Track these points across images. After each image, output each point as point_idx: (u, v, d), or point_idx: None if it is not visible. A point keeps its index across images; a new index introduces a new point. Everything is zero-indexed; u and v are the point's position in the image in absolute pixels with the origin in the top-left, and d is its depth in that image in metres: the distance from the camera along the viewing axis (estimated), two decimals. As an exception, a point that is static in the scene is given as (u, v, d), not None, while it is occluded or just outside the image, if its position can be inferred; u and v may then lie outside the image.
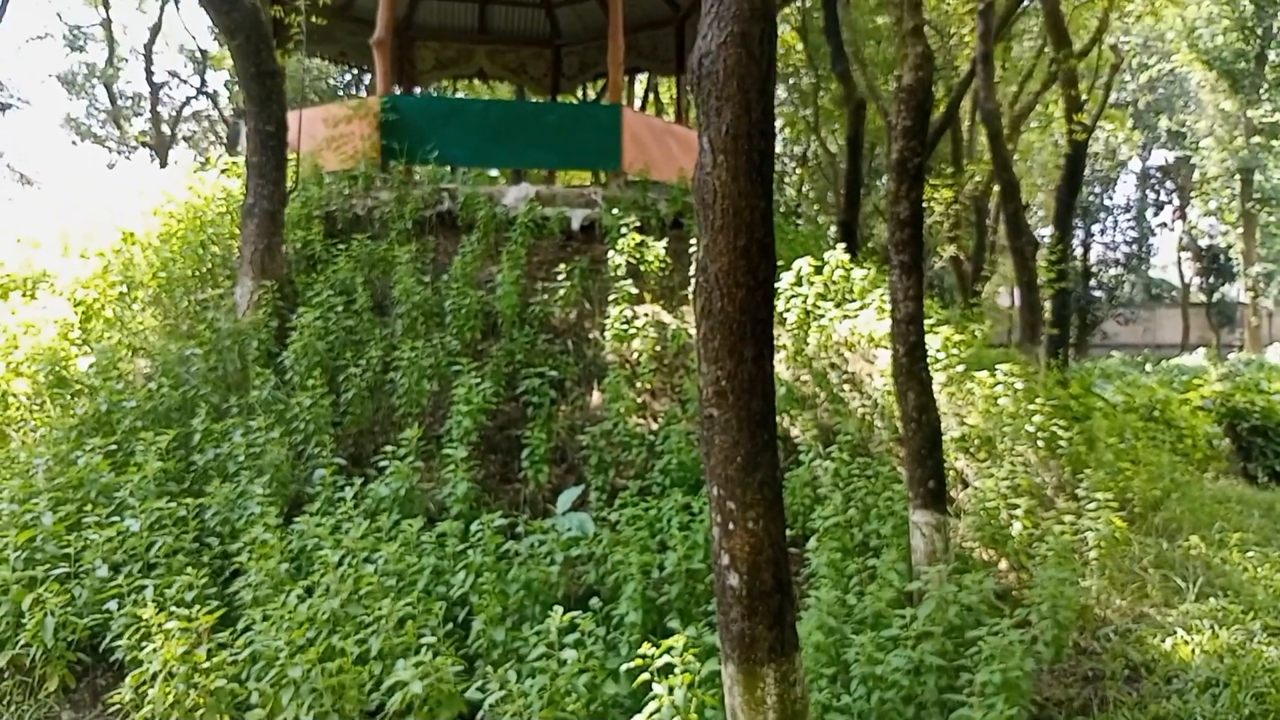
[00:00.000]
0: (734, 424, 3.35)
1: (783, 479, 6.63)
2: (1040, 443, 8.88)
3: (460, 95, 24.35)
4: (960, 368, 9.37)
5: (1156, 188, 48.94)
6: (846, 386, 9.07)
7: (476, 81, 21.52)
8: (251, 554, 5.36)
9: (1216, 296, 45.05)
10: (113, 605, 5.05)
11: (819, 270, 9.89)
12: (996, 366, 9.34)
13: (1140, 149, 44.37)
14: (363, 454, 7.32)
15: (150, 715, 4.38)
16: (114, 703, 4.68)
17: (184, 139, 38.10)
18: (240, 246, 8.76)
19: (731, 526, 3.35)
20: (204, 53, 34.41)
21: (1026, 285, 14.19)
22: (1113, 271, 48.33)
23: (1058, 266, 14.32)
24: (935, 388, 7.10)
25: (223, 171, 11.77)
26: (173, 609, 4.65)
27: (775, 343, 3.57)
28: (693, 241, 9.34)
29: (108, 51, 34.40)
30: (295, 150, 9.83)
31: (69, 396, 7.51)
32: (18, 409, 7.51)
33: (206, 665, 4.41)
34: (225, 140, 34.77)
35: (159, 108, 35.38)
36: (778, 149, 25.20)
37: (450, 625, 5.04)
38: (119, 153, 36.56)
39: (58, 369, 7.63)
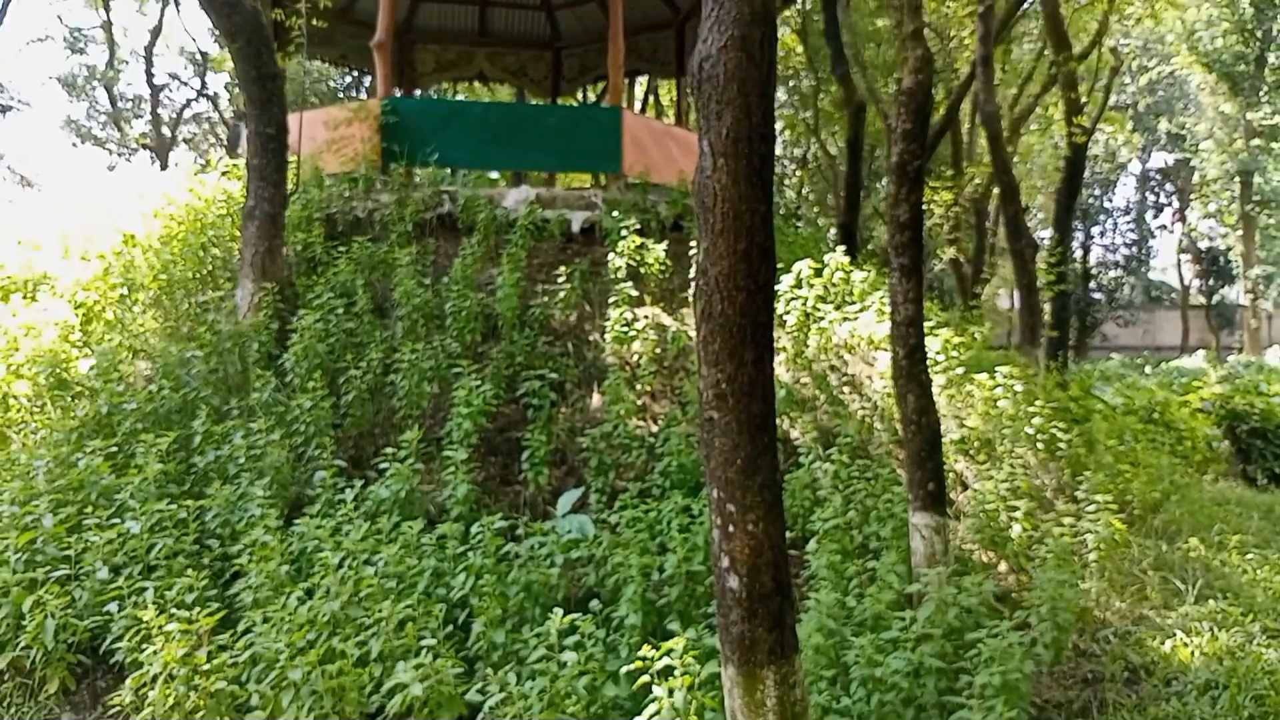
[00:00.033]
0: (734, 427, 3.36)
1: (783, 481, 6.64)
2: (1040, 445, 8.89)
3: (460, 98, 24.37)
4: (960, 370, 9.38)
5: (1156, 190, 49.01)
6: (846, 389, 9.08)
7: (477, 84, 21.54)
8: (252, 556, 5.36)
9: (1216, 299, 45.08)
10: (113, 607, 5.06)
11: (819, 273, 9.90)
12: (996, 369, 9.34)
13: (1140, 151, 44.44)
14: (363, 456, 7.33)
15: (150, 717, 4.38)
16: (114, 705, 4.69)
17: (184, 141, 38.15)
18: (241, 249, 8.77)
19: (731, 529, 3.35)
20: (204, 55, 34.48)
21: (1026, 288, 14.21)
22: (1112, 274, 48.39)
23: (1057, 269, 14.32)
24: (935, 390, 7.10)
25: (223, 174, 11.78)
26: (173, 611, 4.66)
27: (775, 345, 3.57)
28: (693, 244, 9.35)
29: (108, 54, 34.46)
30: (296, 153, 9.85)
31: (69, 398, 7.52)
32: (18, 411, 7.52)
33: (207, 667, 4.41)
34: (225, 142, 34.81)
35: (159, 110, 35.44)
36: (778, 151, 25.22)
37: (450, 627, 5.04)
38: (119, 155, 36.61)
39: (58, 371, 7.64)
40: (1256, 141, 32.29)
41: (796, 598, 5.08)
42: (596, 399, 8.21)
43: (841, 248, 11.22)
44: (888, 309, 6.30)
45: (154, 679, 4.38)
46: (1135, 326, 45.66)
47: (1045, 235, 32.68)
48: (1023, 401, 9.06)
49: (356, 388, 7.54)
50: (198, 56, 35.08)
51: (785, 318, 9.40)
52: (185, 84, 37.89)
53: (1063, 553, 6.23)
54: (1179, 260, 47.21)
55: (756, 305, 3.37)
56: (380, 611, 4.68)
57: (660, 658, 3.87)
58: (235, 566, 5.55)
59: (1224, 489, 11.38)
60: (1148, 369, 25.94)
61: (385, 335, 8.40)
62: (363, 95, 28.61)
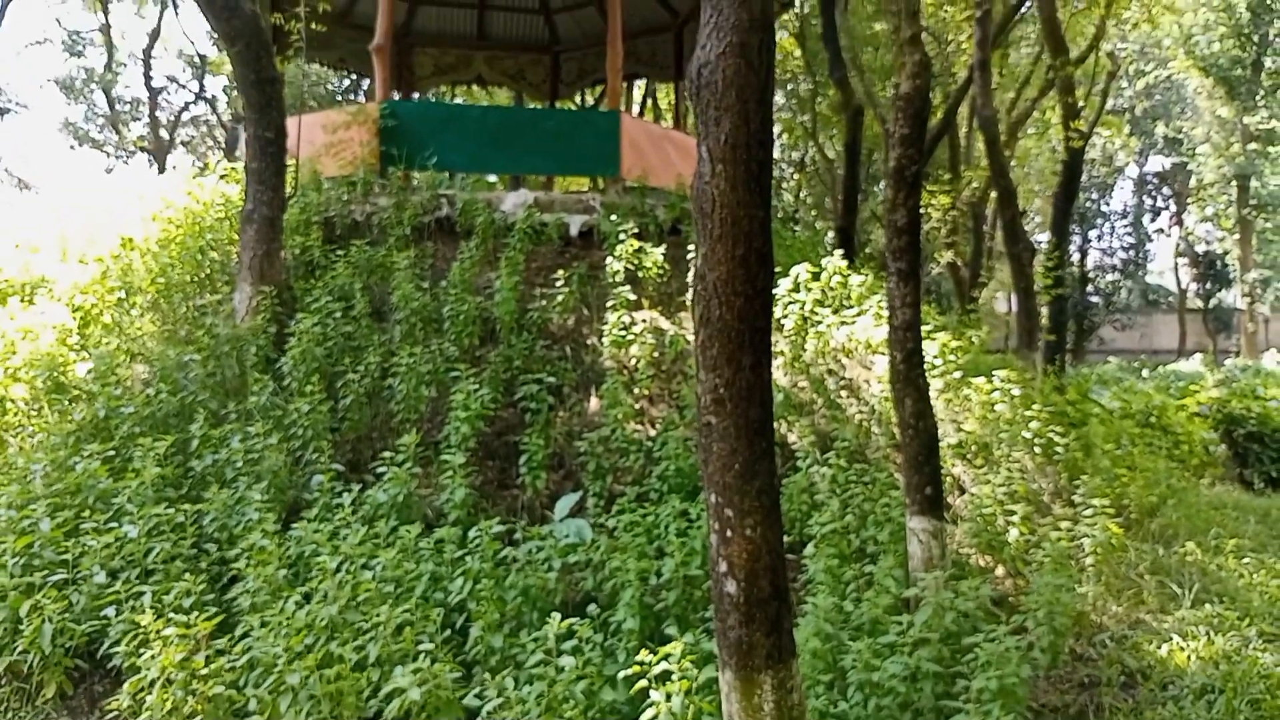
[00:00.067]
0: (732, 432, 3.37)
1: (780, 486, 6.64)
2: (1037, 449, 8.90)
3: (459, 101, 24.39)
4: (957, 374, 9.39)
5: (1153, 194, 49.12)
6: (844, 393, 9.09)
7: (475, 87, 21.56)
8: (249, 560, 5.36)
9: (1213, 302, 45.18)
10: (110, 611, 5.06)
11: (816, 276, 9.91)
12: (993, 373, 9.36)
13: (1137, 155, 44.55)
14: (361, 460, 7.33)
15: (148, 722, 4.38)
16: (112, 709, 4.68)
17: (182, 144, 38.17)
18: (239, 252, 8.77)
19: (729, 534, 3.36)
20: (203, 58, 34.51)
21: (1024, 291, 14.23)
22: (1110, 277, 48.50)
23: (1055, 273, 14.33)
24: (932, 394, 7.11)
25: (221, 177, 11.78)
26: (171, 615, 4.66)
27: (773, 349, 3.59)
28: (691, 248, 9.35)
29: (106, 56, 34.49)
30: (294, 156, 9.85)
31: (67, 402, 7.51)
32: (16, 414, 7.52)
33: (204, 672, 4.41)
34: (224, 145, 34.82)
35: (157, 113, 35.44)
36: (775, 154, 25.23)
37: (448, 632, 5.05)
38: (117, 158, 36.61)
39: (56, 374, 7.64)
40: (1253, 145, 32.38)
41: (794, 602, 5.08)
42: (594, 403, 8.21)
43: (839, 251, 11.24)
44: (885, 313, 6.32)
45: (152, 683, 4.38)
46: (1133, 330, 45.74)
47: (1043, 239, 32.77)
48: (1020, 405, 9.07)
49: (354, 391, 7.54)
50: (196, 59, 35.14)
51: (783, 322, 9.41)
52: (183, 87, 37.95)
53: (1060, 557, 6.24)
54: (1176, 264, 47.32)
55: (755, 310, 3.38)
56: (378, 616, 4.68)
57: (658, 662, 3.88)
58: (233, 570, 5.54)
59: (1221, 493, 11.40)
60: (1145, 373, 25.96)
61: (383, 339, 8.40)
62: (361, 98, 28.64)
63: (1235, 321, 41.63)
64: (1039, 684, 5.33)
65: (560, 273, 9.30)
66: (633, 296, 9.02)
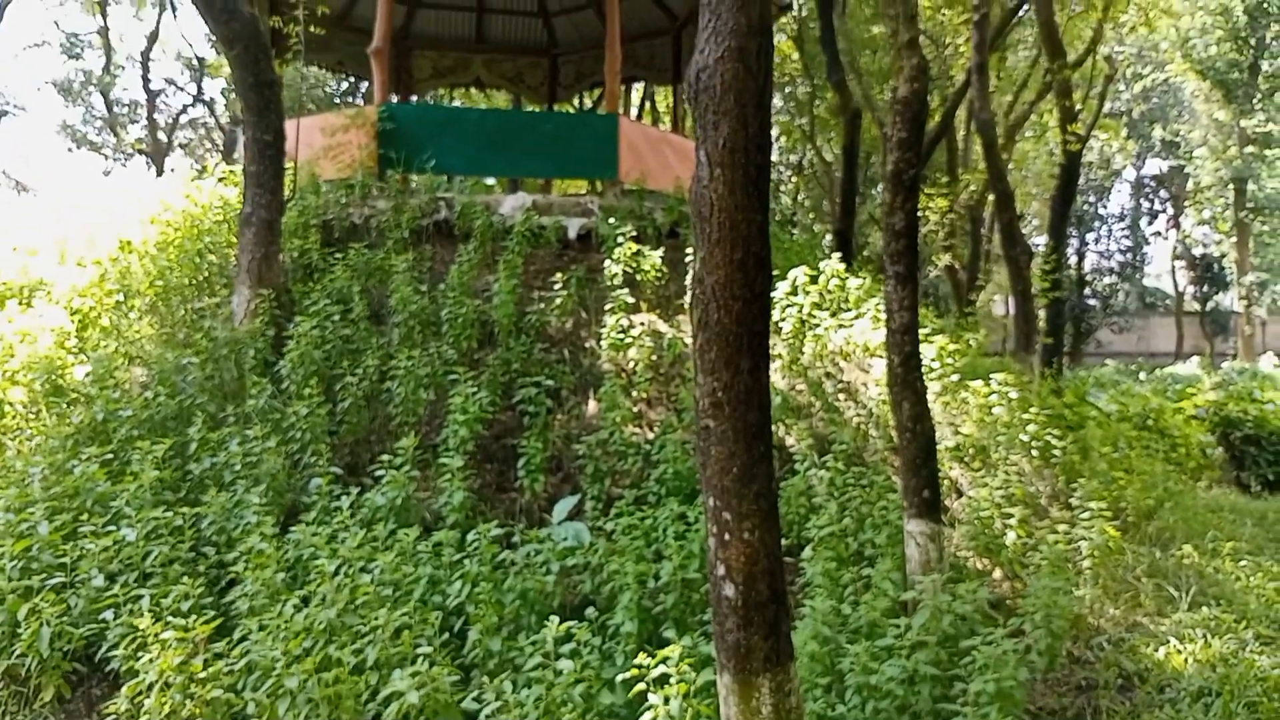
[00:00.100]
0: (730, 435, 3.38)
1: (778, 489, 6.65)
2: (1034, 452, 8.92)
3: (457, 104, 24.40)
4: (955, 377, 9.41)
5: (1151, 197, 49.19)
6: (842, 396, 9.10)
7: (473, 90, 21.56)
8: (248, 563, 5.36)
9: (1210, 305, 45.23)
10: (109, 615, 5.06)
11: (814, 280, 9.93)
12: (991, 376, 9.38)
13: (1134, 158, 44.61)
14: (359, 463, 7.33)
15: (146, 725, 4.38)
16: (109, 713, 4.68)
17: (180, 146, 38.17)
18: (237, 255, 8.77)
19: (727, 537, 3.37)
20: (201, 60, 34.52)
21: (1021, 294, 14.24)
22: (1107, 280, 48.53)
23: (1052, 276, 14.36)
24: (930, 397, 7.12)
25: (220, 180, 11.79)
26: (169, 619, 4.66)
27: (771, 352, 3.60)
28: (689, 251, 9.37)
29: (104, 59, 34.48)
30: (293, 159, 9.86)
31: (65, 405, 7.51)
32: (14, 418, 7.51)
33: (203, 675, 4.41)
34: (222, 148, 34.82)
35: (155, 115, 35.42)
36: (774, 157, 25.25)
37: (446, 635, 5.04)
38: (115, 160, 36.60)
39: (54, 378, 7.64)
40: (1250, 149, 32.46)
41: (792, 605, 5.09)
42: (593, 406, 8.22)
43: (837, 255, 11.25)
44: (883, 316, 6.34)
45: (150, 687, 4.38)
46: (1130, 333, 45.76)
47: (1040, 242, 32.83)
48: (1017, 408, 9.09)
49: (353, 395, 7.54)
50: (194, 62, 35.16)
51: (781, 325, 9.42)
52: (181, 89, 37.97)
53: (1057, 560, 6.26)
54: (1173, 267, 47.38)
55: (753, 314, 3.39)
56: (376, 619, 4.68)
57: (656, 665, 3.88)
58: (231, 574, 5.54)
59: (1218, 496, 11.43)
60: (1142, 375, 26.00)
61: (382, 342, 8.40)
62: (359, 101, 28.65)
63: (1232, 324, 41.71)
64: (1036, 687, 5.34)
65: (558, 276, 9.30)
66: (631, 299, 9.03)
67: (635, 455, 7.45)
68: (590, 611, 5.10)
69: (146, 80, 34.39)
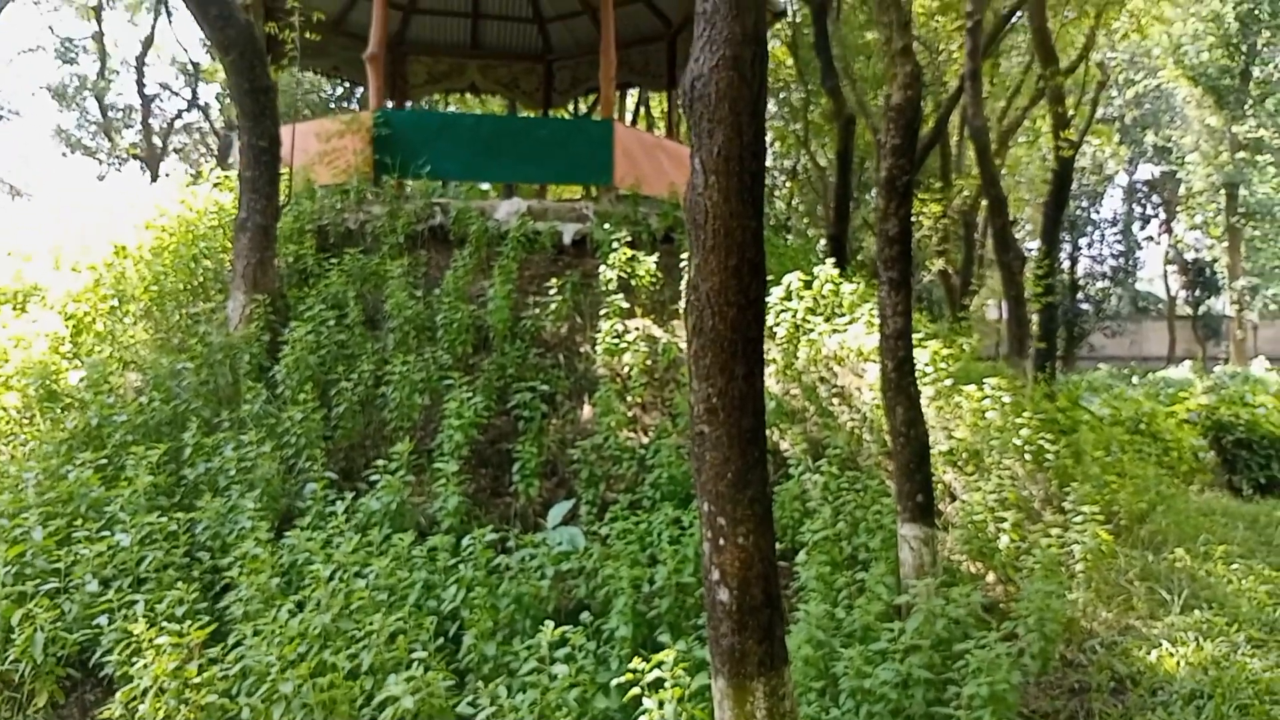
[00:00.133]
0: (725, 441, 3.39)
1: (772, 493, 6.67)
2: (1027, 456, 8.95)
3: (452, 109, 24.43)
4: (948, 381, 9.44)
5: (1143, 202, 49.31)
6: (836, 400, 9.13)
7: (468, 95, 21.59)
8: (242, 569, 5.36)
9: (1202, 310, 45.35)
10: (103, 620, 5.04)
11: (809, 285, 9.96)
12: (984, 380, 9.41)
13: (1127, 163, 44.74)
14: (354, 468, 7.33)
15: (141, 730, 4.38)
16: (104, 718, 4.67)
17: (175, 151, 38.11)
18: (232, 260, 8.77)
19: (722, 542, 3.39)
20: (196, 65, 34.45)
21: (1014, 299, 14.30)
22: (1100, 284, 48.62)
23: (1045, 280, 14.42)
24: (923, 401, 7.15)
25: (215, 185, 11.78)
26: (163, 624, 4.65)
27: (765, 357, 3.62)
28: (683, 256, 9.39)
29: (99, 64, 34.41)
30: (288, 164, 9.87)
31: (59, 410, 7.50)
32: (7, 423, 7.50)
33: (197, 681, 4.41)
34: (216, 153, 34.76)
35: (150, 120, 35.36)
36: (768, 163, 25.26)
37: (441, 640, 5.05)
38: (110, 165, 36.53)
39: (48, 383, 7.62)
40: (1242, 154, 32.58)
41: (786, 609, 5.11)
42: (587, 411, 8.23)
43: (831, 260, 11.29)
44: (877, 321, 6.37)
45: (144, 692, 4.37)
46: (1122, 337, 45.85)
47: (1033, 246, 32.83)
48: (1011, 413, 9.13)
49: (348, 400, 7.55)
50: (189, 67, 35.07)
51: (775, 330, 9.45)
52: (176, 94, 37.94)
53: (1050, 563, 6.29)
54: (1165, 271, 47.53)
55: (747, 321, 3.41)
56: (371, 624, 4.69)
57: (651, 670, 3.90)
58: (226, 579, 5.54)
59: (1209, 499, 11.48)
60: (1135, 379, 26.08)
61: (377, 347, 8.41)
62: (354, 106, 28.65)
63: (1224, 328, 41.83)
64: (1029, 690, 5.36)
65: (553, 281, 9.32)
66: (626, 305, 9.05)
67: (630, 460, 7.46)
68: (585, 616, 5.12)
69: (141, 85, 34.38)
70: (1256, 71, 32.53)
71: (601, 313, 8.95)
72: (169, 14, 33.01)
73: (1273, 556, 8.46)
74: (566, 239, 10.60)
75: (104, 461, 6.54)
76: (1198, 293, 45.07)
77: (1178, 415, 14.17)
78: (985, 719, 4.17)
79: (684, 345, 7.72)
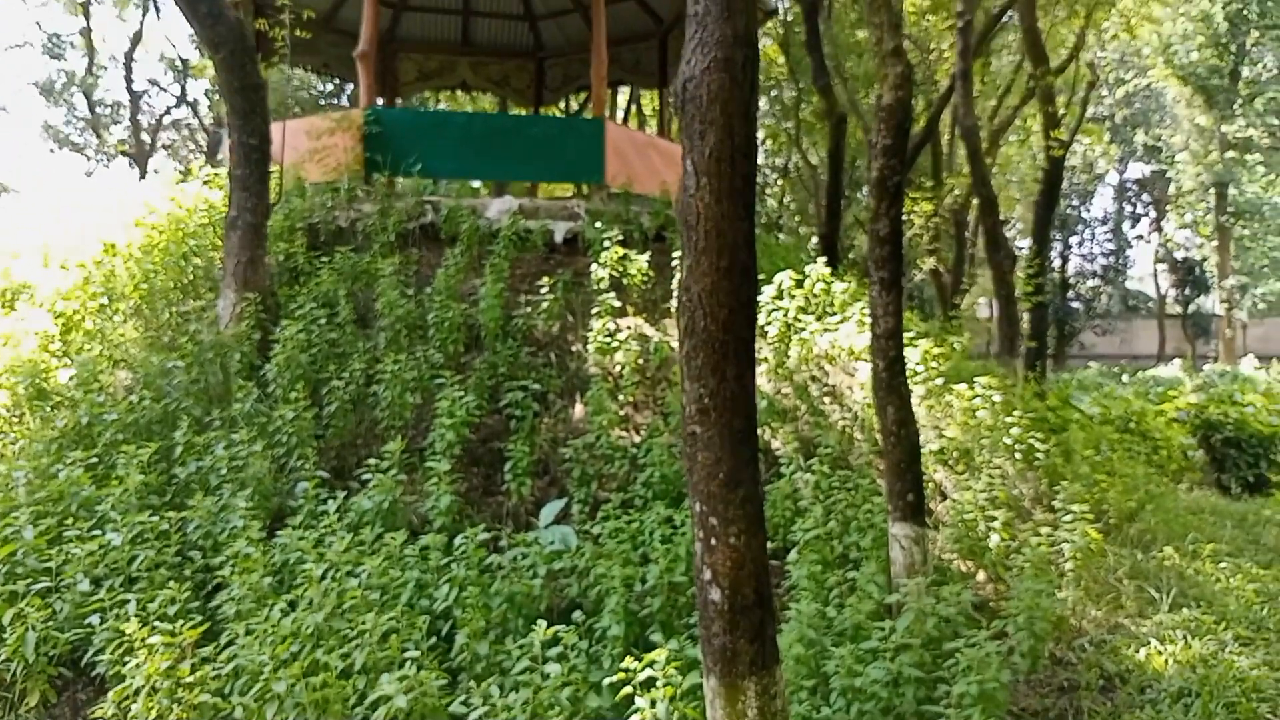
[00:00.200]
0: (716, 441, 3.41)
1: (764, 493, 6.69)
2: (1018, 455, 8.98)
3: (443, 107, 24.37)
4: (939, 380, 9.47)
5: (1133, 200, 49.54)
6: (827, 399, 9.16)
7: (459, 93, 21.56)
8: (234, 568, 5.36)
9: (1192, 308, 45.60)
10: (94, 620, 5.04)
11: (800, 284, 9.98)
12: (975, 379, 9.44)
13: (1117, 162, 44.96)
14: (345, 467, 7.33)
15: (133, 730, 4.38)
16: (96, 717, 4.67)
17: (164, 148, 37.95)
18: (223, 258, 8.75)
19: (714, 542, 3.40)
20: (185, 61, 34.34)
21: (1005, 298, 14.35)
22: (1090, 283, 48.85)
23: (1035, 279, 14.47)
24: (914, 400, 7.18)
25: (205, 183, 11.75)
26: (155, 623, 4.65)
27: (757, 356, 3.64)
28: (675, 254, 9.41)
29: (87, 59, 34.27)
30: (278, 162, 9.84)
31: (49, 409, 7.48)
32: (-3, 421, 7.48)
33: (190, 680, 4.41)
34: (205, 149, 34.63)
35: (139, 116, 35.22)
36: (759, 161, 25.33)
37: (434, 639, 5.06)
38: (97, 161, 36.39)
39: (38, 381, 7.60)
40: (1231, 153, 32.78)
41: (777, 608, 5.13)
42: (579, 409, 8.24)
43: (822, 258, 11.31)
44: (868, 320, 6.40)
45: (136, 692, 4.37)
46: (1113, 335, 46.10)
47: (1024, 245, 33.06)
48: (1001, 411, 9.16)
49: (339, 398, 7.54)
50: (178, 63, 34.96)
51: (767, 328, 9.47)
52: (165, 90, 37.78)
53: (1040, 562, 6.32)
54: (1155, 270, 47.78)
55: (739, 322, 3.43)
56: (364, 623, 4.69)
57: (643, 669, 3.91)
58: (218, 578, 5.53)
59: (1198, 498, 11.55)
60: (1125, 378, 26.22)
61: (368, 346, 8.40)
62: (345, 103, 28.57)
63: (1213, 327, 42.07)
64: (1019, 688, 5.39)
65: (545, 279, 9.32)
66: (617, 303, 9.06)
67: (622, 459, 7.47)
68: (577, 615, 5.13)
69: (129, 81, 34.22)
70: (1245, 71, 32.72)
71: (593, 311, 8.96)
72: (157, 10, 32.95)
73: (1261, 555, 8.52)
74: (558, 237, 10.60)
75: (95, 460, 6.53)
76: (1187, 291, 45.29)
77: (1167, 414, 14.27)
78: (975, 717, 4.19)
79: (676, 344, 7.75)
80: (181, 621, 4.65)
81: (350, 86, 24.88)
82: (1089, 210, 48.94)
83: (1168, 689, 5.23)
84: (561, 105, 22.86)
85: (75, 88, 35.24)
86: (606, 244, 9.69)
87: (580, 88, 18.05)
